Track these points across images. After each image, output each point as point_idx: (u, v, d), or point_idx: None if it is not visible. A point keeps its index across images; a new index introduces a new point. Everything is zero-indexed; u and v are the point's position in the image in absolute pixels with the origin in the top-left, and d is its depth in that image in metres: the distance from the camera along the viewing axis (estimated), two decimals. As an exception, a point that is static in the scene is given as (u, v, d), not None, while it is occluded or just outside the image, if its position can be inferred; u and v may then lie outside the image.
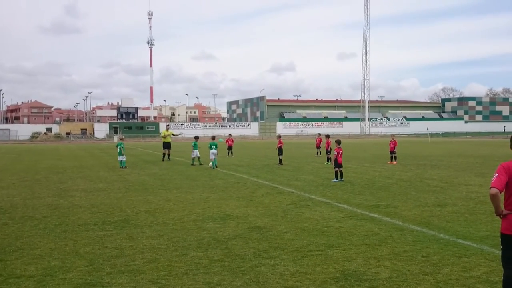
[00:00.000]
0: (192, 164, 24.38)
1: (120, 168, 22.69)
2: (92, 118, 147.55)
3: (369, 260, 6.91)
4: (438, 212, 10.69)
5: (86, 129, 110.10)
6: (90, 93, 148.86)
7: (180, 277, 6.23)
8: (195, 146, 24.54)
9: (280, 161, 24.60)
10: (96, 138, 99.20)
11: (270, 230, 8.87)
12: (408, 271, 6.40)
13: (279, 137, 27.10)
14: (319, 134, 35.31)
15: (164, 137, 28.67)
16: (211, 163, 22.58)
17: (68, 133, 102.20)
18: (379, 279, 6.07)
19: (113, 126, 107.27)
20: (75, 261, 6.93)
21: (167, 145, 28.28)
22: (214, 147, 22.78)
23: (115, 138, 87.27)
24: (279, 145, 25.32)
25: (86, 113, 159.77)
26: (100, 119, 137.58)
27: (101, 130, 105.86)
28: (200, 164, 24.15)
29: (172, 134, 29.86)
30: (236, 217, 10.19)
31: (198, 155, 24.48)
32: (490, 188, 4.78)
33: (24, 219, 10.22)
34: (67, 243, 8.05)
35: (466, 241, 7.94)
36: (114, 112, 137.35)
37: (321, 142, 32.08)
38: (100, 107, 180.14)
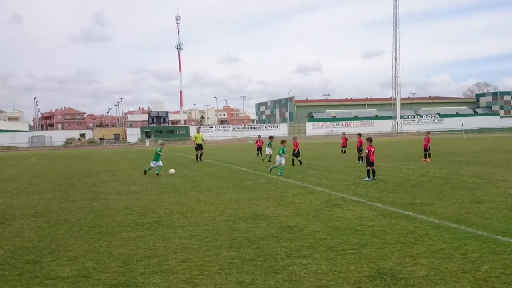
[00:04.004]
0: (269, 161, 26.01)
1: (156, 174, 20.96)
2: (124, 123, 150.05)
3: (404, 258, 6.74)
4: (476, 208, 10.38)
5: (118, 134, 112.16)
6: (121, 99, 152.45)
7: (212, 276, 6.21)
8: (269, 145, 26.48)
9: (300, 162, 23.69)
10: (129, 142, 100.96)
11: (302, 230, 8.78)
12: (445, 269, 6.21)
13: (295, 138, 25.82)
14: (344, 133, 34.93)
15: (196, 139, 30.28)
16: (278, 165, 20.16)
17: (101, 138, 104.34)
18: (415, 277, 5.90)
19: (145, 130, 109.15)
20: (109, 262, 7.00)
21: (199, 147, 29.74)
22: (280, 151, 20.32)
23: (147, 142, 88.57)
24: (296, 147, 24.21)
25: (118, 118, 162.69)
26: (132, 124, 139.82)
27: (133, 135, 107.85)
28: (269, 161, 25.80)
29: (202, 139, 30.39)
30: (267, 217, 10.13)
31: (271, 153, 26.52)
32: None
33: (59, 222, 10.40)
34: (101, 244, 8.14)
35: (506, 238, 7.67)
36: (145, 117, 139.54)
37: (347, 141, 31.80)
38: (131, 112, 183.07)
